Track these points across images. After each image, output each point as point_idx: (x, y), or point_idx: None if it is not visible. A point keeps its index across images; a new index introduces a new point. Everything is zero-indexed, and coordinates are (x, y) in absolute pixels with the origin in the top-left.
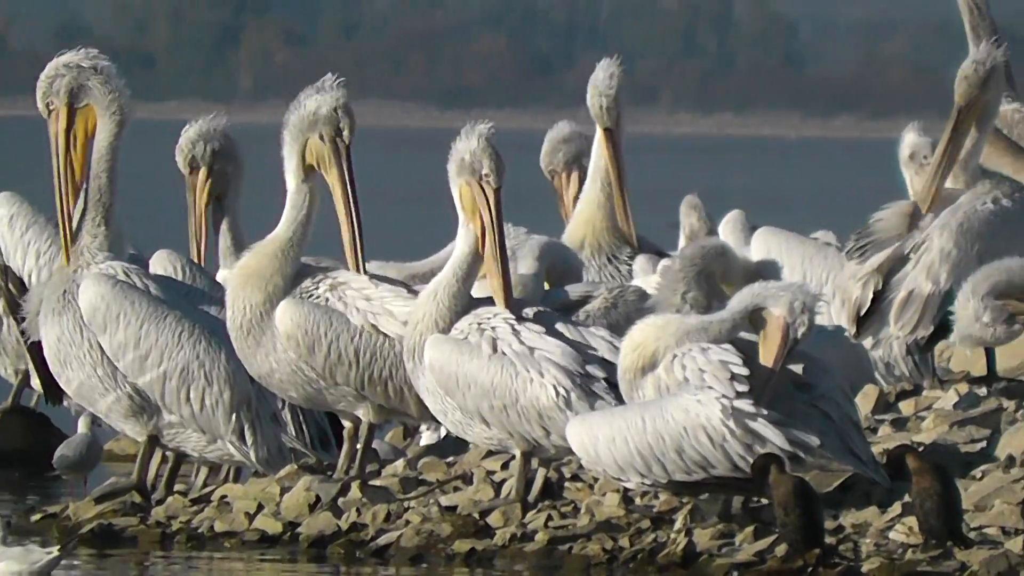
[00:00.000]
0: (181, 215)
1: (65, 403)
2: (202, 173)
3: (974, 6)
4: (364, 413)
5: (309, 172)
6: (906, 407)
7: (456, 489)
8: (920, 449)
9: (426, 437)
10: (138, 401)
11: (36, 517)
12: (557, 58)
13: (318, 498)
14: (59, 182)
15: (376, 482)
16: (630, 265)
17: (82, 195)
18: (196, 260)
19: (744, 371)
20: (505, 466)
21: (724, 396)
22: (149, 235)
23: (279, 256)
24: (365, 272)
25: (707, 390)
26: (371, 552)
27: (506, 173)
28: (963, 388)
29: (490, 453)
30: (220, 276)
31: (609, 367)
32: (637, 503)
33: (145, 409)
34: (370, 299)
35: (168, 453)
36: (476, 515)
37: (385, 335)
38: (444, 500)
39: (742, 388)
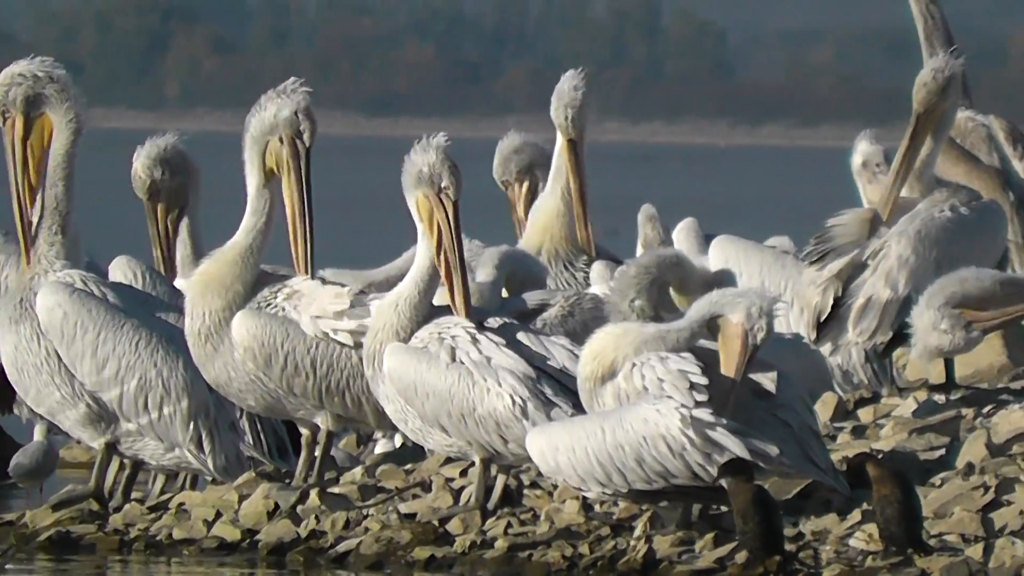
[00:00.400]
0: (106, 220)
1: (16, 411)
2: (160, 207)
3: (928, 15)
4: (323, 421)
5: (270, 176)
6: (865, 415)
7: (415, 496)
8: (879, 457)
9: (381, 445)
10: (96, 409)
11: None
12: (485, 66)
13: (277, 505)
14: (17, 191)
15: (334, 489)
16: (586, 272)
17: (38, 203)
18: (162, 271)
19: (703, 380)
20: (464, 473)
21: (683, 405)
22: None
23: (239, 263)
24: (314, 275)
25: (666, 399)
26: (331, 559)
27: (464, 185)
28: (922, 395)
29: (448, 460)
30: (179, 283)
31: (568, 377)
32: (597, 510)
33: (103, 417)
34: (321, 310)
35: (125, 461)
36: (435, 522)
37: (340, 344)
38: (403, 507)
39: (701, 397)
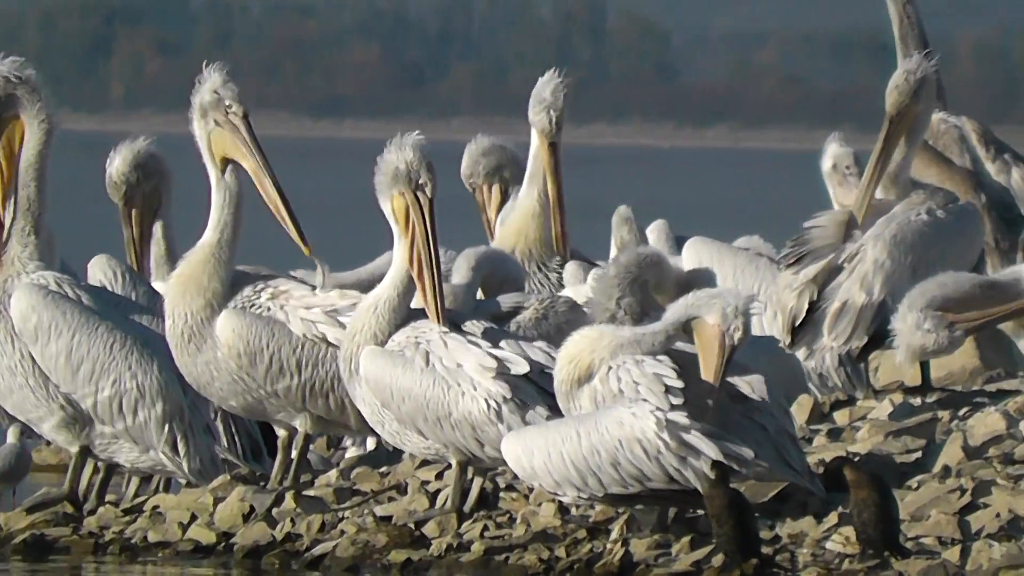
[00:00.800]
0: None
1: None
2: (135, 211)
3: (904, 16)
4: (302, 423)
5: (225, 165)
6: (841, 417)
7: (391, 499)
8: (856, 459)
9: (352, 449)
10: (71, 412)
11: None
12: (430, 68)
13: (252, 508)
14: None
15: (310, 492)
16: (559, 273)
17: (11, 205)
18: (136, 268)
19: (678, 383)
20: (439, 476)
21: (658, 408)
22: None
23: (211, 260)
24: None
25: (641, 403)
26: (306, 563)
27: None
28: (898, 398)
29: (424, 463)
30: (155, 285)
31: (546, 379)
32: (573, 513)
33: (78, 420)
34: (311, 307)
35: (99, 463)
36: (412, 525)
37: (329, 345)
38: (379, 510)
39: (676, 400)
